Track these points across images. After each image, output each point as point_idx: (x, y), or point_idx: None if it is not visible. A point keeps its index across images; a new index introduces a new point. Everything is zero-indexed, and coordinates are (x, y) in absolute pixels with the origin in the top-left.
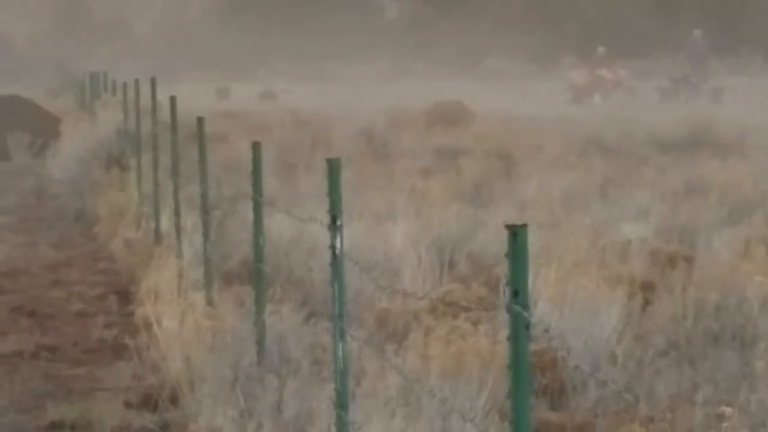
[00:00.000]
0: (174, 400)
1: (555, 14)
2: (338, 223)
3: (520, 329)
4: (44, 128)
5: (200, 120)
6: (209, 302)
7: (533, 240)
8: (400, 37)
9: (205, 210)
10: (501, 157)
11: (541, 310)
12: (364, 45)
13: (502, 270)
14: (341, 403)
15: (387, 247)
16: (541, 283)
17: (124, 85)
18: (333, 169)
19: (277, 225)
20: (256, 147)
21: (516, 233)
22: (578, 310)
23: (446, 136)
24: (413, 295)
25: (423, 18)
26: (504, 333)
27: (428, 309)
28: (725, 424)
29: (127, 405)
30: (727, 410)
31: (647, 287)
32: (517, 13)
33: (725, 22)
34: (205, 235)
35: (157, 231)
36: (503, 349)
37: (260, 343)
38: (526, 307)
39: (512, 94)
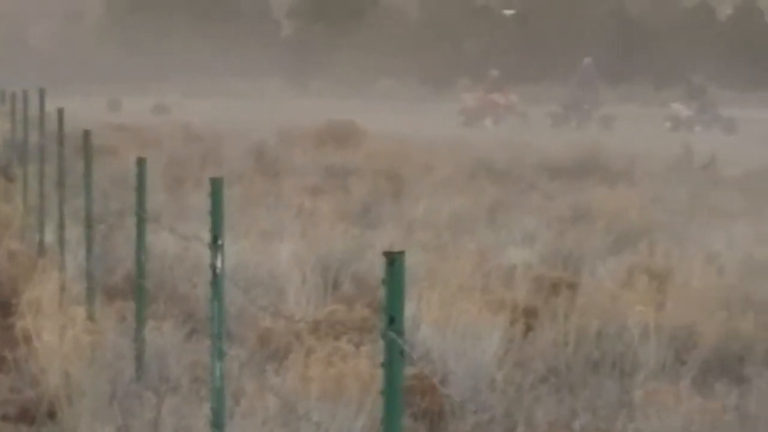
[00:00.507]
0: (52, 414)
1: (450, 37)
2: (219, 242)
3: (394, 356)
4: None
5: (86, 133)
6: (90, 317)
7: (419, 262)
8: (296, 54)
9: (89, 224)
10: (391, 177)
11: (424, 333)
12: (260, 62)
13: None
14: (217, 423)
15: (272, 265)
16: (424, 306)
17: (13, 95)
18: (216, 188)
19: (163, 241)
20: (141, 163)
21: (393, 260)
22: (460, 334)
23: (337, 155)
24: (290, 317)
25: (319, 36)
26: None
27: (310, 329)
28: None
29: (5, 418)
30: None
31: (530, 313)
32: (412, 34)
33: (617, 51)
34: (88, 249)
35: (41, 243)
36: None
37: (140, 359)
38: (401, 334)
39: (405, 114)
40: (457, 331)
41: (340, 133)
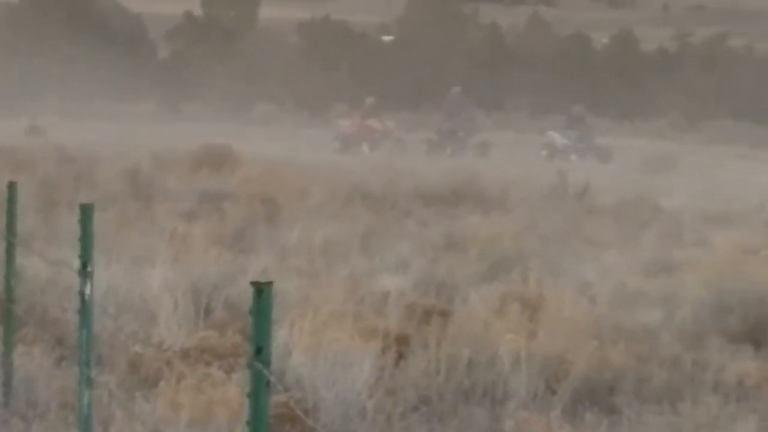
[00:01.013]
0: None
1: (327, 63)
2: (89, 269)
3: (261, 386)
4: None
5: None
6: None
7: (292, 288)
8: (173, 78)
9: None
10: (266, 202)
11: (295, 361)
12: (136, 84)
13: None
14: None
15: (144, 290)
16: (296, 333)
17: None
18: (85, 215)
19: (34, 265)
20: (11, 187)
21: (261, 290)
22: (331, 362)
23: (212, 180)
24: (159, 344)
25: (196, 60)
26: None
27: (181, 355)
28: None
29: None
30: None
31: (402, 341)
32: (290, 59)
33: (494, 78)
34: None
35: None
36: None
37: (8, 384)
38: (267, 364)
39: (282, 139)
40: (328, 359)
41: (215, 158)
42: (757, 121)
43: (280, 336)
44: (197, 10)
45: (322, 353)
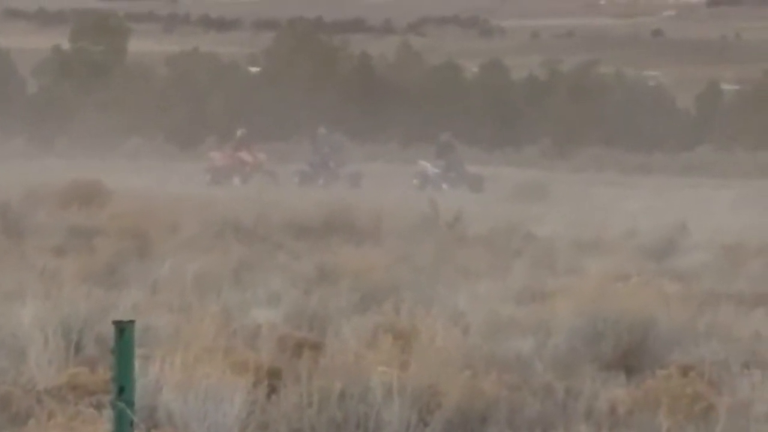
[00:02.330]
0: None
1: (197, 95)
2: None
3: (124, 426)
4: None
5: None
6: None
7: (163, 323)
8: (41, 113)
9: None
10: (136, 237)
11: (166, 396)
12: (3, 120)
13: None
14: None
15: (14, 327)
16: (167, 368)
17: None
18: None
19: None
20: None
21: (123, 329)
22: (203, 397)
23: (82, 215)
24: (28, 382)
25: (65, 95)
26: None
27: (52, 392)
28: None
29: None
30: None
31: (274, 374)
32: (159, 92)
33: (364, 108)
34: None
35: None
36: None
37: None
38: (131, 404)
39: (153, 173)
40: (199, 394)
41: (85, 193)
42: (627, 147)
43: (150, 371)
44: (66, 45)
45: (194, 388)
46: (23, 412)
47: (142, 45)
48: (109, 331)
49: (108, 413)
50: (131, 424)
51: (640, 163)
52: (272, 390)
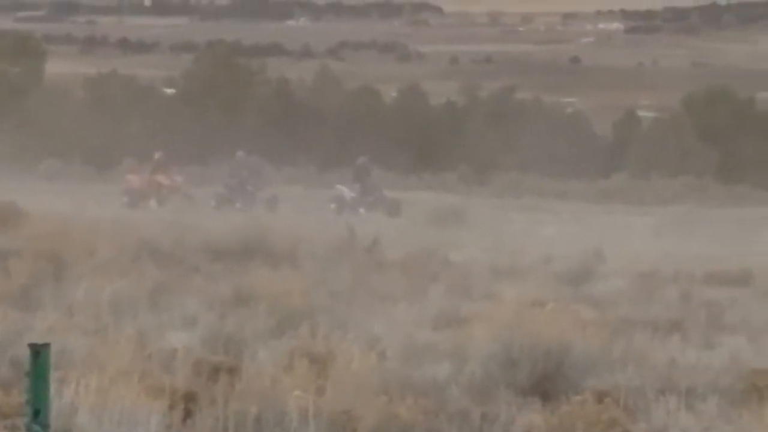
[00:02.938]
0: None
1: (115, 117)
2: None
3: None
4: None
5: None
6: None
7: (78, 346)
8: None
9: None
10: (52, 259)
11: (81, 419)
12: None
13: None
14: None
15: None
16: (83, 391)
17: None
18: None
19: None
20: None
21: (38, 352)
22: (117, 421)
23: None
24: None
25: None
26: None
27: None
28: None
29: None
30: None
31: (190, 398)
32: (77, 114)
33: (282, 132)
34: None
35: None
36: None
37: None
38: (46, 427)
39: (70, 195)
40: (114, 418)
41: (0, 214)
42: (544, 173)
43: (66, 394)
44: None
45: (109, 411)
46: None
47: (59, 67)
48: (24, 353)
49: None
50: None
51: (558, 189)
52: (188, 414)
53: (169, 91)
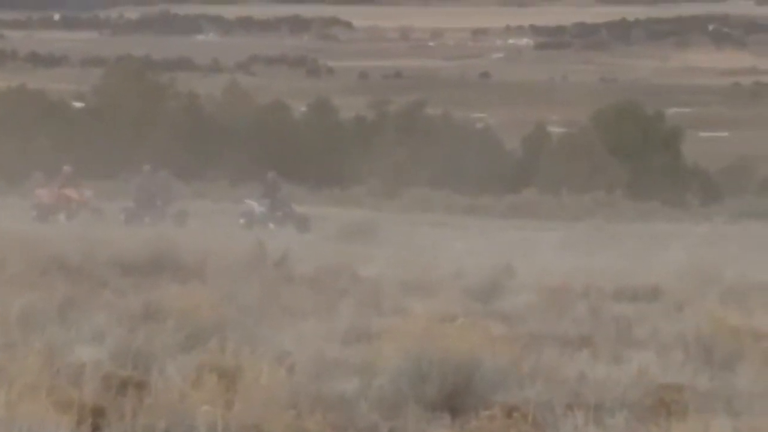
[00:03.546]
0: None
1: (24, 131)
2: None
3: None
4: None
5: None
6: None
7: None
8: None
9: None
10: None
11: None
12: None
13: None
14: None
15: None
16: None
17: None
18: None
19: None
20: None
21: None
22: None
23: None
24: None
25: None
26: None
27: None
28: None
29: None
30: None
31: (98, 412)
32: None
33: (192, 147)
34: None
35: None
36: None
37: None
38: None
39: None
40: None
41: None
42: (454, 188)
43: None
44: None
45: (17, 426)
46: None
47: None
48: None
49: None
50: None
51: (467, 204)
52: (96, 428)
53: (78, 104)
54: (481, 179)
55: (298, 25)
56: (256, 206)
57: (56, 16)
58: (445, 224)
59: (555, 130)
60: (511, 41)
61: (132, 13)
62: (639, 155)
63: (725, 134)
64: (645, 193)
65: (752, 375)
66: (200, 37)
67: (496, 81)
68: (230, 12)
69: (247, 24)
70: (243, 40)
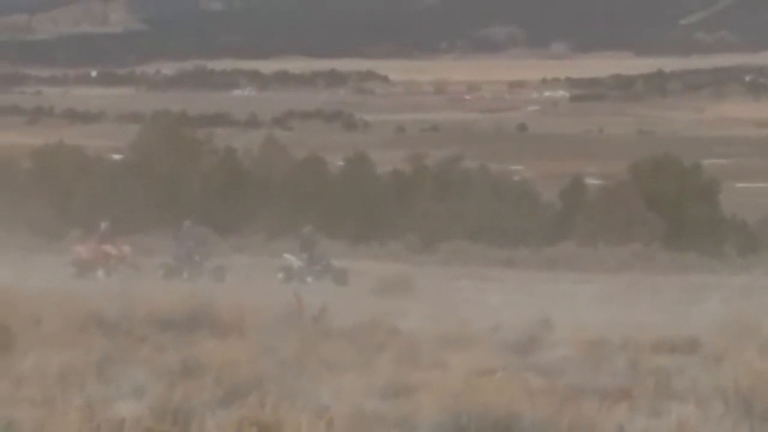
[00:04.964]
0: None
1: (62, 187)
2: None
3: None
4: None
5: None
6: None
7: (26, 418)
8: None
9: None
10: None
11: None
12: None
13: None
14: None
15: None
16: None
17: None
18: None
19: None
20: None
21: None
22: None
23: None
24: None
25: None
26: None
27: None
28: None
29: None
30: None
31: None
32: (22, 184)
33: (229, 201)
34: None
35: None
36: None
37: None
38: None
39: (15, 265)
40: None
41: None
42: (491, 241)
43: None
44: None
45: None
46: None
47: (6, 138)
48: None
49: None
50: None
51: (504, 257)
52: None
53: (116, 156)
54: (518, 232)
55: (334, 79)
56: (294, 260)
57: (93, 73)
58: (483, 278)
59: (592, 182)
60: (547, 93)
61: (168, 69)
62: (676, 207)
63: (763, 185)
64: (683, 245)
65: None
66: (237, 92)
67: (532, 133)
68: (266, 67)
69: (283, 78)
70: (279, 95)
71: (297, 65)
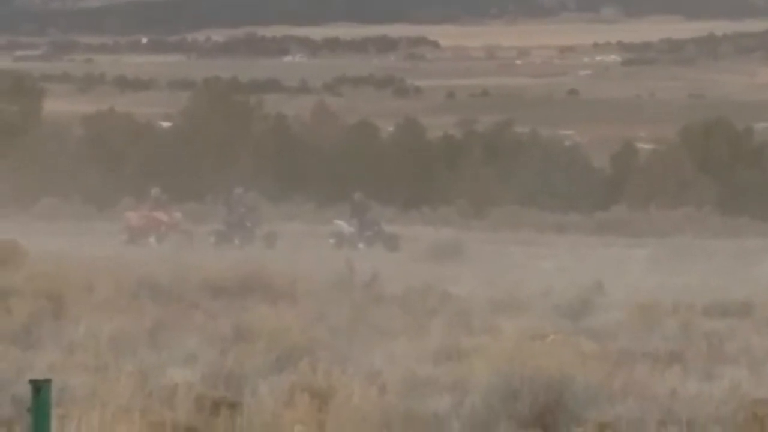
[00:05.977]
0: None
1: (113, 154)
2: None
3: None
4: None
5: None
6: None
7: (79, 383)
8: None
9: None
10: (51, 298)
11: None
12: None
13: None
14: None
15: None
16: (84, 428)
17: None
18: None
19: None
20: None
21: (39, 388)
22: None
23: None
24: None
25: None
26: None
27: None
28: None
29: None
30: None
31: None
32: (75, 152)
33: (280, 168)
34: None
35: None
36: None
37: None
38: None
39: (68, 234)
40: None
41: (0, 254)
42: (542, 206)
43: (68, 431)
44: None
45: None
46: None
47: (57, 105)
48: (26, 391)
49: None
50: None
51: (556, 222)
52: None
53: (166, 124)
54: (569, 197)
55: (384, 45)
56: (345, 227)
57: (143, 40)
58: (534, 242)
59: (643, 146)
60: (598, 58)
61: (218, 36)
62: (728, 171)
63: None
64: (734, 209)
65: None
66: (288, 59)
67: (583, 98)
68: (317, 33)
69: (333, 45)
70: (330, 62)
71: (348, 32)
